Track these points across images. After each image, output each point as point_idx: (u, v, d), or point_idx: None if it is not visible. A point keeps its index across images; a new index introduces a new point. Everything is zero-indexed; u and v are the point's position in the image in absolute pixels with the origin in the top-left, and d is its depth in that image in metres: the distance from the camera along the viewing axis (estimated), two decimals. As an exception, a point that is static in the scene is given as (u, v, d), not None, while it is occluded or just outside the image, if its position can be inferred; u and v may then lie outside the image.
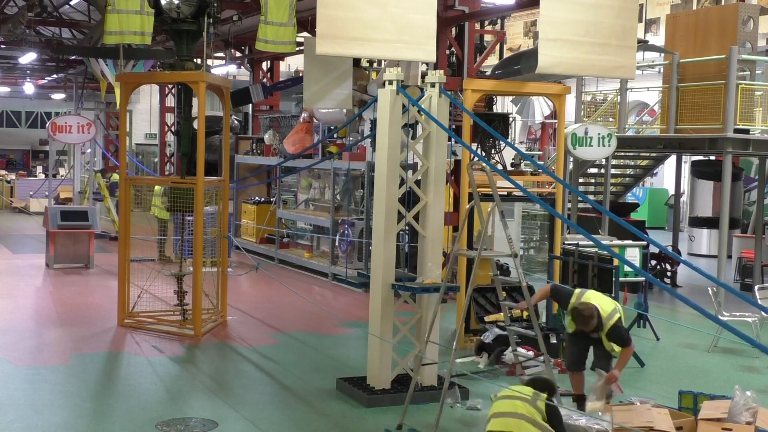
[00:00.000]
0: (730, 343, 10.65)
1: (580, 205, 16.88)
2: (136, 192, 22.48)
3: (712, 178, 18.21)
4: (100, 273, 15.65)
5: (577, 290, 7.85)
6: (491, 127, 11.10)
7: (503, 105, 26.14)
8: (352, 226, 14.86)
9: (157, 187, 16.41)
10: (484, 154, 11.56)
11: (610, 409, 6.95)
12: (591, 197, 18.06)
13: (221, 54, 21.68)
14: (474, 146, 11.33)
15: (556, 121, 14.28)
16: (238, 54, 22.85)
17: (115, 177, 20.63)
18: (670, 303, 14.02)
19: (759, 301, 11.10)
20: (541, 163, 21.47)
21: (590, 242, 13.16)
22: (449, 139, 8.91)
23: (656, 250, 16.97)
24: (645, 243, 15.22)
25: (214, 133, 21.19)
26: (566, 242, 12.14)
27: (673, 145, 15.39)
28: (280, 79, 22.19)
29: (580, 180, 17.20)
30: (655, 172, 24.07)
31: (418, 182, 8.73)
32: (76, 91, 29.88)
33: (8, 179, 30.67)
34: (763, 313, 10.71)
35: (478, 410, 8.02)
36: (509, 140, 15.02)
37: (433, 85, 8.45)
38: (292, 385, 8.88)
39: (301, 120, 16.76)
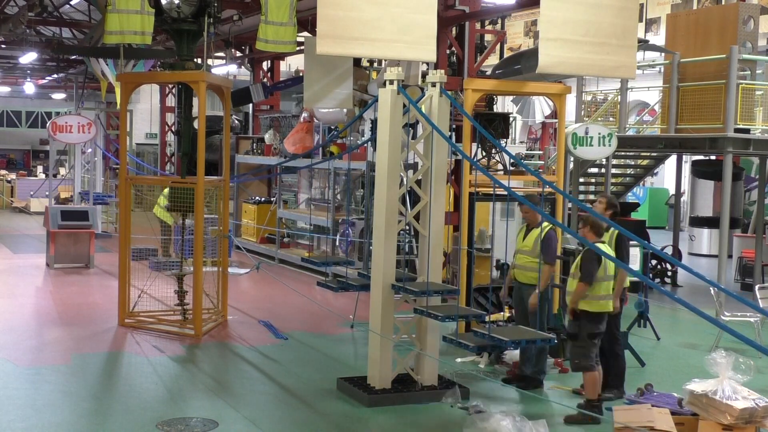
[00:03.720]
0: (731, 343, 10.64)
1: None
2: (136, 192, 22.55)
3: (712, 177, 18.21)
4: (101, 273, 15.65)
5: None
6: (492, 126, 11.14)
7: (504, 104, 26.15)
8: (352, 225, 14.86)
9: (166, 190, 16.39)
10: (484, 154, 11.57)
11: None
12: (592, 197, 18.06)
13: (221, 54, 21.68)
14: (474, 146, 11.33)
15: (557, 120, 14.26)
16: (238, 54, 22.85)
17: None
18: (671, 302, 14.02)
19: (759, 301, 11.12)
20: (542, 162, 21.47)
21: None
22: (451, 138, 8.91)
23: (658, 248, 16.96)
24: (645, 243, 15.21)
25: (215, 133, 21.21)
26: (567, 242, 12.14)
27: (673, 145, 15.39)
28: (281, 79, 22.18)
29: (581, 180, 17.20)
30: (655, 171, 24.06)
31: (418, 182, 8.72)
32: (76, 90, 29.88)
33: (9, 179, 30.67)
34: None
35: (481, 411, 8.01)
36: (511, 139, 15.06)
37: (434, 84, 8.45)
38: (292, 384, 8.88)
39: (302, 120, 16.76)
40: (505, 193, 7.51)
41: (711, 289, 11.26)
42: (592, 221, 8.14)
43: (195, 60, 11.15)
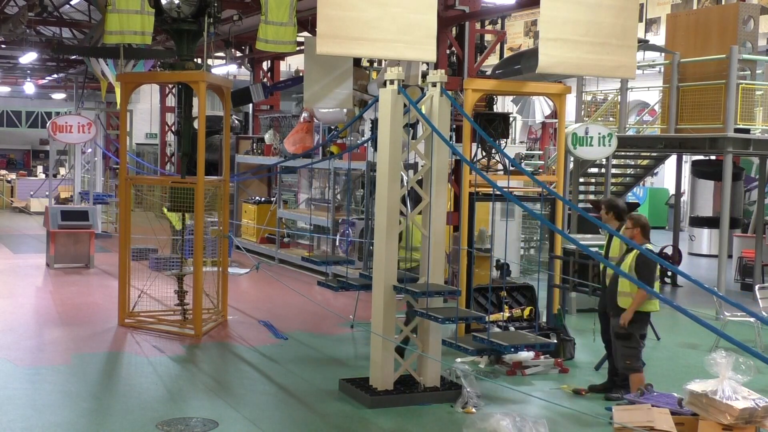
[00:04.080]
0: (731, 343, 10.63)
1: (582, 205, 16.87)
2: (136, 192, 22.54)
3: (712, 177, 18.21)
4: (101, 273, 15.65)
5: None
6: (492, 126, 11.13)
7: (504, 104, 26.15)
8: (352, 225, 14.85)
9: None
10: (484, 154, 11.56)
11: None
12: (592, 197, 18.06)
13: (221, 54, 21.68)
14: (474, 146, 11.33)
15: (557, 120, 14.27)
16: (238, 54, 22.85)
17: None
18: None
19: (760, 301, 11.13)
20: (542, 162, 21.47)
21: (592, 242, 13.16)
22: (451, 138, 8.90)
23: (656, 248, 16.95)
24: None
25: (215, 133, 21.21)
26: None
27: (673, 145, 15.39)
28: (281, 79, 22.18)
29: (581, 180, 17.20)
30: (655, 171, 24.07)
31: (419, 182, 8.72)
32: (76, 90, 29.88)
33: (9, 179, 30.68)
34: (762, 313, 10.71)
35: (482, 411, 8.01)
36: (511, 139, 15.05)
37: (434, 84, 8.44)
38: (293, 385, 8.87)
39: (302, 120, 16.76)
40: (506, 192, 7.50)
41: (714, 288, 11.26)
42: (643, 222, 8.19)
43: (195, 60, 11.15)
